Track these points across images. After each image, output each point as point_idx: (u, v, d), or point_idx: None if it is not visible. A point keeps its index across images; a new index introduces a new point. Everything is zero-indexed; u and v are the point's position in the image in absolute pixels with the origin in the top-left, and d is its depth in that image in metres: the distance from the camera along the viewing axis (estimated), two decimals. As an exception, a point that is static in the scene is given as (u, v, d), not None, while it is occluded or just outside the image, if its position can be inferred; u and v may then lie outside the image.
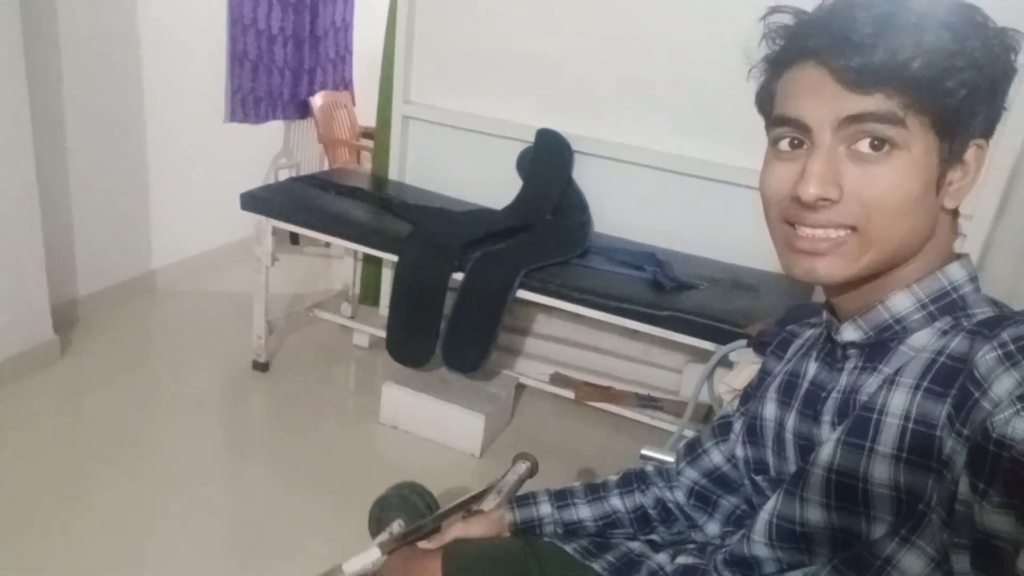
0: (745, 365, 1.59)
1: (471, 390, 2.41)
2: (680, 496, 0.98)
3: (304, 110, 3.83)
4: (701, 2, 2.28)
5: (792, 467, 0.78)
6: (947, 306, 0.69)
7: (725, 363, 1.80)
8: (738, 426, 0.92)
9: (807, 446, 0.76)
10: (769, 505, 0.76)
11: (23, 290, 2.40)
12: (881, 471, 0.65)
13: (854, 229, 0.66)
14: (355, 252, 2.87)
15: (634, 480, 1.03)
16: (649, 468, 1.04)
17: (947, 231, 0.71)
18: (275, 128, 3.75)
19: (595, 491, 1.03)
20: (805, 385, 0.80)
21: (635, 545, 0.98)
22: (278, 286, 2.94)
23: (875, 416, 0.67)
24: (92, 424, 2.28)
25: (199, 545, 1.86)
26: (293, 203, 2.51)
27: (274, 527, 1.95)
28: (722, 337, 1.88)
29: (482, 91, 2.65)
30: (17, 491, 1.95)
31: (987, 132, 0.68)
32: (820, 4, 0.68)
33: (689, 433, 1.74)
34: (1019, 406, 0.54)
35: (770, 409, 0.84)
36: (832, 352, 0.78)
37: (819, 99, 0.66)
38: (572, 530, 1.02)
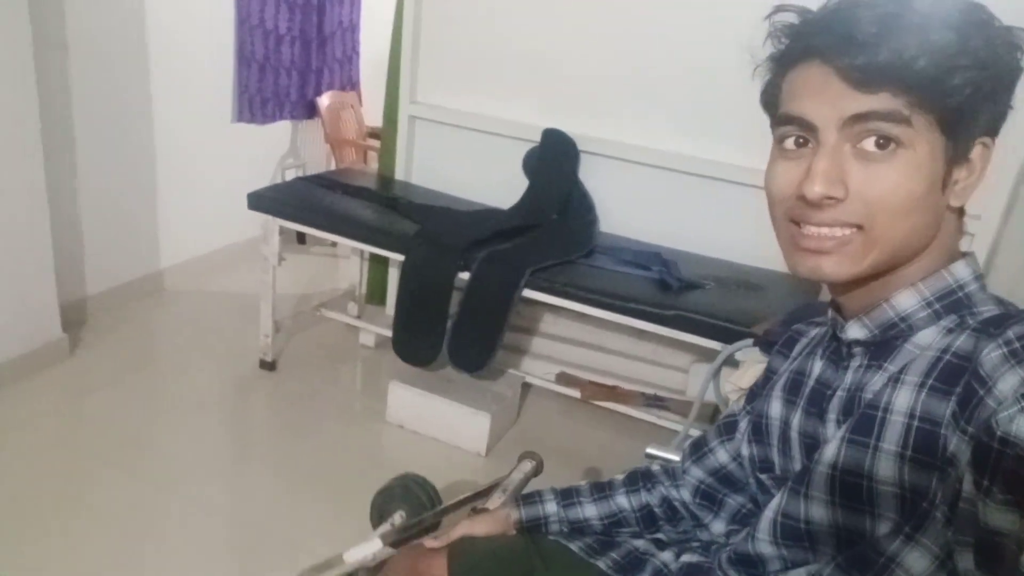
0: (751, 364, 1.59)
1: (477, 389, 2.42)
2: (686, 495, 0.98)
3: (311, 110, 3.84)
4: (708, 1, 2.27)
5: (797, 465, 0.78)
6: (952, 304, 0.69)
7: (731, 362, 1.80)
8: (743, 425, 0.92)
9: (812, 444, 0.76)
10: (774, 503, 0.76)
11: (32, 289, 2.41)
12: (886, 469, 0.66)
13: (859, 228, 0.66)
14: (361, 252, 2.88)
15: (640, 479, 1.03)
16: (655, 467, 1.04)
17: (953, 230, 0.71)
18: (282, 128, 3.77)
19: (601, 490, 1.03)
20: (811, 383, 0.80)
21: (640, 543, 0.98)
22: (285, 285, 2.95)
23: (880, 414, 0.67)
24: (100, 422, 2.29)
25: (203, 544, 1.87)
26: (300, 203, 2.52)
27: (279, 526, 1.96)
28: (728, 336, 1.88)
29: (488, 91, 2.66)
30: (23, 489, 1.96)
31: (993, 130, 0.68)
32: (825, 3, 0.68)
33: (695, 432, 1.74)
34: (1023, 404, 0.54)
35: (775, 408, 0.84)
36: (837, 350, 0.78)
37: (824, 98, 0.66)
38: (578, 528, 1.02)
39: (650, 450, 1.22)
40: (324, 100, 3.82)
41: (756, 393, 0.93)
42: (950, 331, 0.68)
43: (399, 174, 2.84)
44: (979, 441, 0.57)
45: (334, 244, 3.75)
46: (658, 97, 2.42)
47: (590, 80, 2.50)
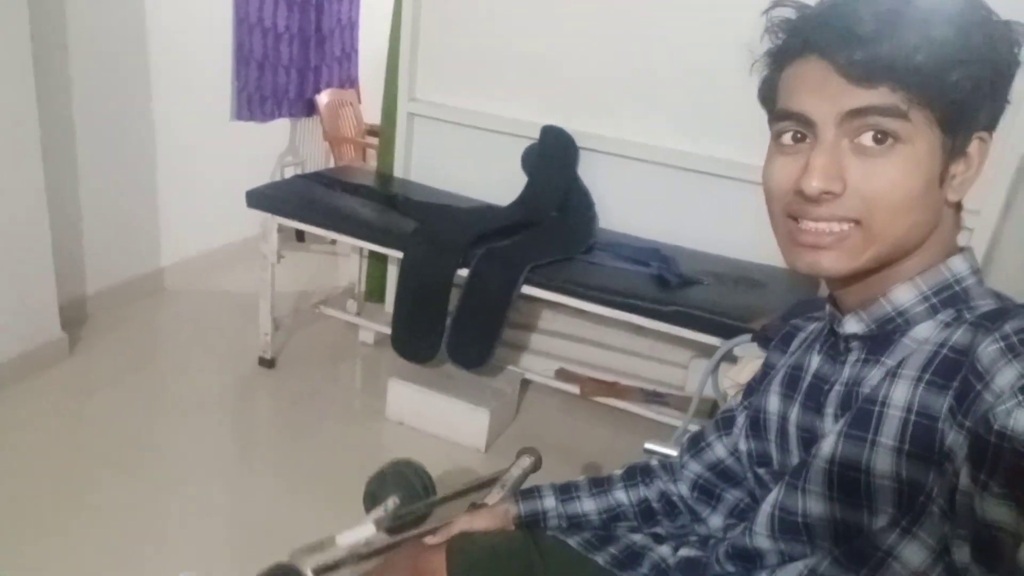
0: (749, 360, 1.59)
1: (476, 386, 2.42)
2: (684, 489, 0.98)
3: (310, 108, 3.84)
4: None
5: (795, 460, 0.79)
6: (950, 298, 0.69)
7: (730, 358, 1.80)
8: (741, 420, 0.92)
9: (810, 439, 0.76)
10: (771, 497, 0.76)
11: (31, 288, 2.41)
12: (883, 463, 0.66)
13: (857, 223, 0.66)
14: (360, 249, 2.88)
15: (638, 473, 1.03)
16: (653, 462, 1.05)
17: (950, 224, 0.71)
18: (281, 126, 3.77)
19: (599, 485, 1.03)
20: (808, 378, 0.80)
21: (638, 538, 0.98)
22: (284, 283, 2.95)
23: (877, 408, 0.67)
24: (100, 421, 2.29)
25: (203, 542, 1.87)
26: (299, 201, 2.52)
27: (278, 523, 1.96)
28: (727, 332, 1.88)
29: (487, 88, 2.66)
30: (24, 489, 1.96)
31: (991, 125, 0.68)
32: None
33: (694, 428, 1.75)
34: (1021, 398, 0.54)
35: (773, 402, 0.84)
36: (835, 345, 0.78)
37: (822, 93, 0.66)
38: (576, 523, 1.02)
39: (649, 445, 1.22)
40: (323, 98, 3.82)
41: (754, 388, 0.93)
42: (947, 325, 0.68)
43: (398, 171, 2.84)
44: (976, 435, 0.57)
45: (333, 242, 3.75)
46: (657, 93, 2.42)
47: (589, 77, 2.50)
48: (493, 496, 1.26)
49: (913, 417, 0.65)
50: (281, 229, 2.54)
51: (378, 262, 2.96)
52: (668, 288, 2.11)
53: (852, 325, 0.74)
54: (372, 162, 3.69)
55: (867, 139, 0.65)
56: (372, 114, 3.80)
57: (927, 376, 0.65)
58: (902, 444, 0.65)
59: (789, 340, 0.90)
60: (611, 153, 2.52)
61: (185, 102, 3.12)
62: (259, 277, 2.61)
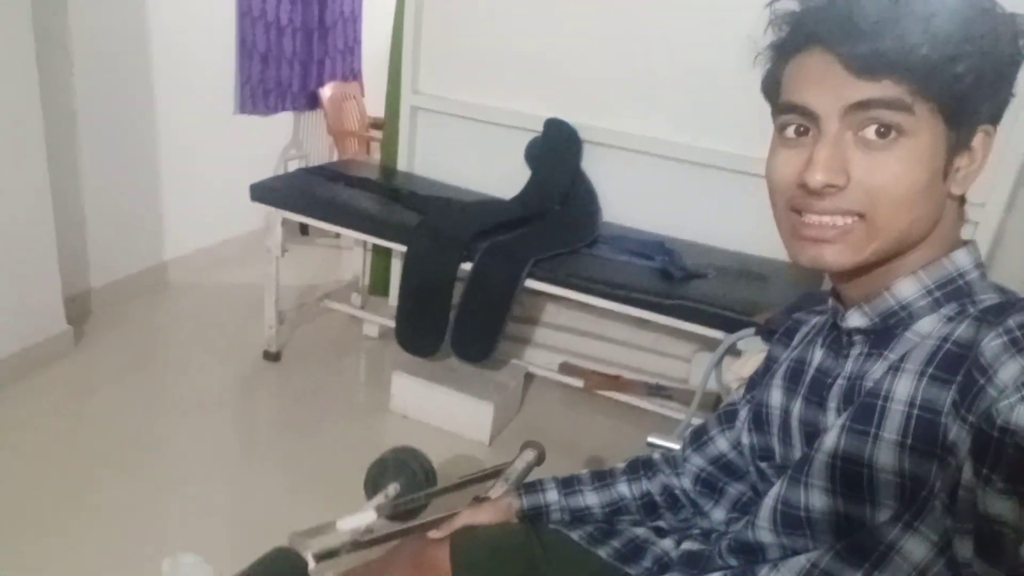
0: (752, 353, 1.59)
1: (480, 379, 2.42)
2: (686, 483, 0.98)
3: (313, 101, 3.84)
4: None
5: (797, 454, 0.78)
6: (953, 292, 0.69)
7: (734, 351, 1.80)
8: (744, 413, 0.92)
9: (813, 433, 0.76)
10: (773, 491, 0.76)
11: (36, 283, 2.42)
12: (886, 457, 0.66)
13: (861, 216, 0.66)
14: (364, 243, 2.88)
15: (641, 467, 1.03)
16: (656, 455, 1.05)
17: (954, 218, 0.71)
18: (285, 119, 3.77)
19: (602, 478, 1.04)
20: (811, 372, 0.80)
21: (640, 531, 0.99)
22: (289, 277, 2.96)
23: (880, 402, 0.67)
24: (107, 414, 2.30)
25: (207, 537, 1.88)
26: (302, 194, 2.52)
27: (285, 515, 1.97)
28: (731, 325, 1.88)
29: (491, 81, 2.65)
30: (28, 484, 1.97)
31: (995, 118, 0.68)
32: None
33: (697, 421, 1.75)
34: None
35: (776, 396, 0.84)
36: (838, 339, 0.78)
37: (826, 86, 0.65)
38: (579, 517, 1.03)
39: (651, 439, 1.22)
40: (326, 91, 3.81)
41: (756, 382, 0.93)
42: (950, 319, 0.68)
43: (401, 165, 2.84)
44: (979, 430, 0.57)
45: (337, 235, 3.75)
46: (661, 86, 2.41)
47: (593, 70, 2.49)
48: (496, 490, 1.27)
49: (916, 411, 0.65)
50: (285, 223, 2.54)
51: (382, 256, 2.96)
52: (672, 282, 2.11)
53: (855, 319, 0.74)
54: (376, 155, 3.68)
55: (870, 132, 0.64)
56: (376, 107, 3.80)
57: (930, 370, 0.65)
58: (905, 438, 0.65)
59: (792, 334, 0.90)
60: (615, 146, 2.51)
61: (188, 97, 3.12)
62: (263, 271, 2.61)
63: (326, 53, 3.85)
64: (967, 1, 0.63)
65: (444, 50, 2.69)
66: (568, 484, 1.04)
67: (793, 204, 0.70)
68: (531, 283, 2.18)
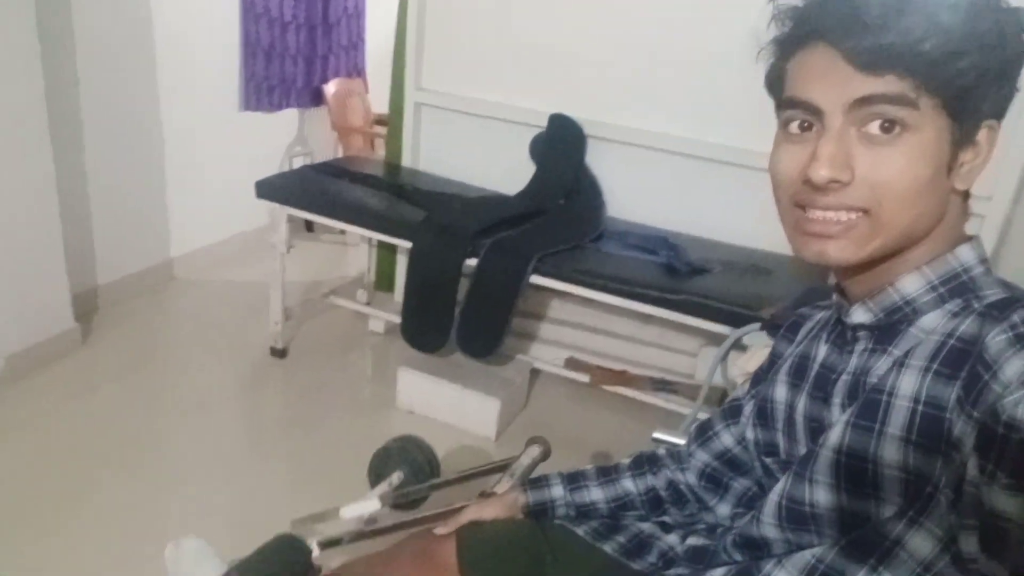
0: (758, 348, 1.59)
1: (486, 375, 2.43)
2: (691, 478, 0.98)
3: (318, 98, 3.84)
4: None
5: (802, 449, 0.79)
6: (957, 288, 0.69)
7: (740, 346, 1.80)
8: (748, 409, 0.92)
9: (817, 428, 0.76)
10: (778, 487, 0.76)
11: (44, 280, 2.44)
12: (890, 453, 0.66)
13: (865, 212, 0.66)
14: (370, 239, 2.89)
15: (646, 462, 1.03)
16: (661, 451, 1.05)
17: (958, 213, 0.71)
18: (289, 116, 3.77)
19: (607, 473, 1.04)
20: (815, 367, 0.80)
21: (646, 526, 0.99)
22: (294, 273, 2.97)
23: (885, 398, 0.67)
24: (114, 410, 2.32)
25: (216, 528, 1.89)
26: (307, 191, 2.52)
27: (291, 510, 1.97)
28: (736, 320, 1.88)
29: (494, 77, 2.65)
30: (38, 478, 1.99)
31: (999, 113, 0.67)
32: None
33: (703, 416, 1.76)
34: None
35: (780, 391, 0.84)
36: (842, 334, 0.78)
37: (830, 81, 0.65)
38: (584, 512, 1.03)
39: (657, 434, 1.22)
40: (330, 87, 3.81)
41: (761, 377, 0.93)
42: (955, 315, 0.68)
43: (406, 161, 2.84)
44: (984, 425, 0.57)
45: (342, 232, 3.76)
46: (665, 81, 2.40)
47: (597, 65, 2.48)
48: (502, 485, 1.27)
49: (921, 407, 0.65)
50: (290, 220, 2.55)
51: (387, 252, 2.97)
52: (677, 276, 2.11)
53: (859, 315, 0.74)
54: (380, 152, 3.68)
55: (874, 128, 0.64)
56: (380, 103, 3.80)
57: (935, 366, 0.65)
58: (909, 434, 0.65)
59: (796, 329, 0.90)
60: (619, 141, 2.51)
61: (192, 94, 3.12)
62: (269, 268, 2.62)
63: (330, 49, 3.84)
64: None
65: (448, 46, 2.68)
66: (573, 480, 1.04)
67: (797, 200, 0.70)
68: (536, 279, 2.18)
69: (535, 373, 2.63)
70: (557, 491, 1.04)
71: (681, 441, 1.14)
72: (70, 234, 2.51)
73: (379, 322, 2.94)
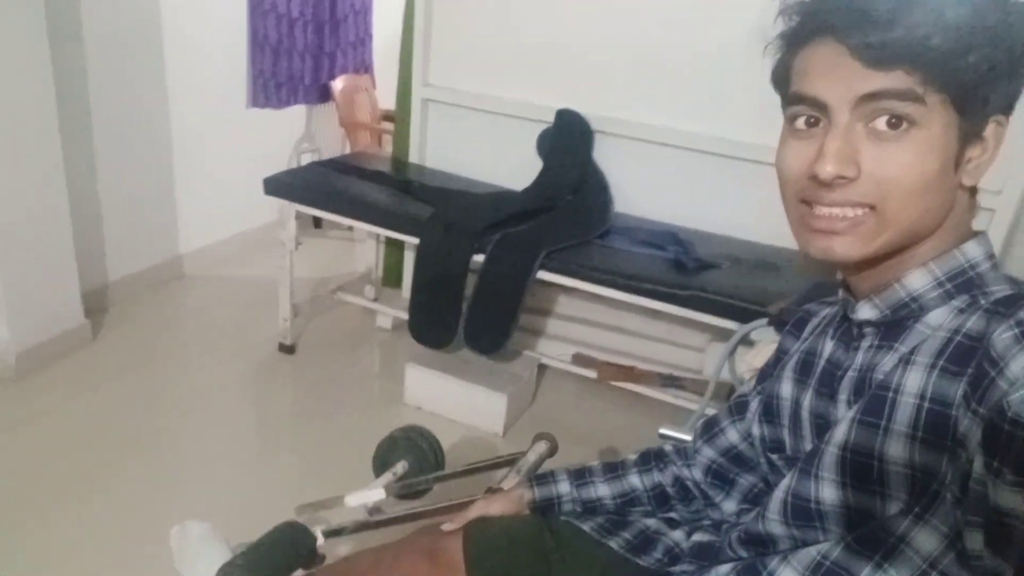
0: (765, 344, 1.59)
1: (494, 371, 2.43)
2: (697, 474, 0.98)
3: (325, 94, 3.85)
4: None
5: (808, 445, 0.78)
6: (964, 284, 0.69)
7: (748, 342, 1.80)
8: (754, 405, 0.92)
9: (823, 425, 0.76)
10: (784, 483, 0.76)
11: (54, 277, 2.46)
12: (896, 450, 0.65)
13: (871, 208, 0.66)
14: (377, 235, 2.89)
15: (652, 458, 1.04)
16: (667, 447, 1.05)
17: (965, 209, 0.70)
18: (297, 113, 3.78)
19: (613, 469, 1.04)
20: (821, 364, 0.80)
21: (651, 522, 0.99)
22: (302, 270, 2.98)
23: (891, 395, 0.67)
24: (123, 406, 2.34)
25: (224, 524, 1.90)
26: (315, 188, 2.53)
27: (298, 503, 1.99)
28: (744, 316, 1.87)
29: (501, 72, 2.64)
30: (51, 473, 2.00)
31: (1007, 108, 0.67)
32: None
33: (711, 412, 1.75)
34: None
35: (786, 388, 0.84)
36: (848, 331, 0.78)
37: (836, 77, 0.65)
38: (590, 508, 1.03)
39: (663, 430, 1.22)
40: (338, 84, 3.82)
41: (767, 373, 0.93)
42: (961, 311, 0.67)
43: (413, 157, 2.84)
44: (990, 422, 0.56)
45: (350, 228, 3.77)
46: (673, 75, 2.39)
47: (604, 60, 2.48)
48: (509, 481, 1.27)
49: (927, 404, 0.64)
50: (298, 216, 2.56)
51: (395, 248, 2.97)
52: (685, 272, 2.11)
53: (866, 311, 0.73)
54: (388, 148, 3.69)
55: (881, 124, 0.64)
56: (387, 99, 3.80)
57: (941, 363, 0.65)
58: (915, 431, 0.64)
59: (802, 325, 0.90)
60: (626, 136, 2.50)
61: (200, 91, 3.14)
62: (277, 264, 2.63)
63: (337, 46, 3.85)
64: None
65: (455, 42, 2.68)
66: (580, 476, 1.05)
67: (803, 196, 0.69)
68: (543, 274, 2.18)
69: (542, 369, 2.63)
70: (563, 487, 1.04)
71: (688, 437, 1.14)
72: (80, 231, 2.53)
73: (387, 318, 2.95)
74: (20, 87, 2.19)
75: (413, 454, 1.49)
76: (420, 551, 1.00)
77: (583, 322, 2.68)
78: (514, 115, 2.63)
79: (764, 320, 1.73)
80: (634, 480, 1.02)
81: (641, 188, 2.54)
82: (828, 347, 0.80)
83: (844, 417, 0.71)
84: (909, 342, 0.69)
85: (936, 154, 0.64)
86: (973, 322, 0.65)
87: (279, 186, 2.53)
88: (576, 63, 2.52)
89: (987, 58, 0.62)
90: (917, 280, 0.70)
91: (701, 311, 2.02)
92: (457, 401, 2.39)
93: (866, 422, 0.68)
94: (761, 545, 0.78)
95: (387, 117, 3.90)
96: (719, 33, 2.24)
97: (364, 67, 4.11)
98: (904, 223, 0.66)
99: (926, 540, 0.65)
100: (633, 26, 2.40)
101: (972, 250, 0.69)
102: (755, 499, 0.90)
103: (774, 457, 0.85)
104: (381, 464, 1.51)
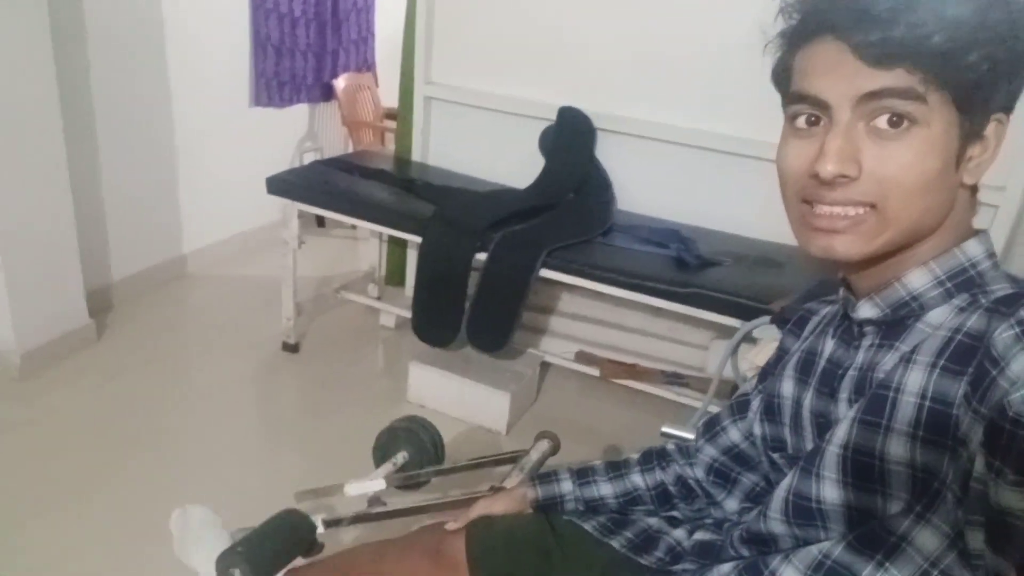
0: (767, 342, 1.58)
1: (496, 369, 2.43)
2: (700, 473, 0.98)
3: (328, 93, 3.85)
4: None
5: (809, 444, 0.78)
6: (965, 283, 0.69)
7: (750, 339, 1.79)
8: (756, 404, 0.92)
9: (824, 424, 0.76)
10: (785, 482, 0.76)
11: (58, 277, 2.46)
12: (897, 449, 0.65)
13: (872, 207, 0.66)
14: (380, 234, 2.90)
15: (655, 457, 1.04)
16: (669, 446, 1.05)
17: (966, 207, 0.70)
18: (299, 112, 3.79)
19: (616, 468, 1.04)
20: (822, 363, 0.80)
21: (653, 521, 0.99)
22: (306, 268, 2.99)
23: (891, 394, 0.67)
24: (128, 405, 2.34)
25: (227, 522, 1.91)
26: (318, 187, 2.53)
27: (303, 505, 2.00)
28: (747, 314, 1.87)
29: (503, 70, 2.64)
30: (58, 472, 2.01)
31: (1008, 106, 0.67)
32: None
33: (714, 410, 1.75)
34: None
35: (787, 387, 0.84)
36: (849, 329, 0.78)
37: (837, 75, 0.65)
38: (593, 507, 1.03)
39: (666, 429, 1.22)
40: (340, 82, 3.82)
41: (768, 372, 0.93)
42: (962, 310, 0.67)
43: (416, 155, 2.84)
44: (991, 422, 0.56)
45: (353, 226, 3.77)
46: (675, 73, 2.39)
47: (606, 57, 2.47)
48: (512, 480, 1.28)
49: (928, 403, 0.64)
50: (301, 215, 2.56)
51: (398, 246, 2.98)
52: (687, 270, 2.10)
53: (866, 310, 0.73)
54: (390, 146, 3.69)
55: (883, 122, 0.64)
56: (390, 98, 3.80)
57: (942, 362, 0.65)
58: (916, 430, 0.64)
59: (803, 324, 0.90)
60: (629, 134, 2.50)
61: (203, 91, 3.14)
62: (280, 263, 2.63)
63: (340, 44, 3.85)
64: None
65: (457, 40, 2.68)
66: (582, 474, 1.05)
67: (804, 194, 0.69)
68: (546, 272, 2.18)
69: (545, 367, 2.63)
70: (566, 486, 1.04)
71: (690, 436, 1.14)
72: (83, 231, 2.54)
73: (390, 317, 2.96)
74: (23, 87, 2.20)
75: (413, 445, 1.49)
76: (423, 549, 1.00)
77: (586, 320, 2.68)
78: (516, 113, 2.63)
79: (767, 317, 1.73)
80: (636, 479, 1.02)
81: (643, 185, 2.54)
82: (829, 346, 0.80)
83: (845, 416, 0.71)
84: (910, 341, 0.69)
85: (937, 153, 0.64)
86: (974, 321, 0.65)
87: (282, 185, 2.53)
88: (578, 61, 2.51)
89: (989, 57, 0.62)
90: (917, 279, 0.70)
91: (703, 308, 2.01)
92: (460, 399, 2.39)
93: (867, 421, 0.68)
94: (763, 544, 0.78)
95: (390, 115, 3.90)
96: (720, 30, 2.24)
97: (366, 65, 4.11)
98: (905, 222, 0.66)
99: (927, 539, 0.65)
100: (635, 23, 2.40)
101: (972, 249, 0.69)
102: (757, 498, 0.90)
103: (775, 456, 0.85)
104: (381, 455, 1.51)
